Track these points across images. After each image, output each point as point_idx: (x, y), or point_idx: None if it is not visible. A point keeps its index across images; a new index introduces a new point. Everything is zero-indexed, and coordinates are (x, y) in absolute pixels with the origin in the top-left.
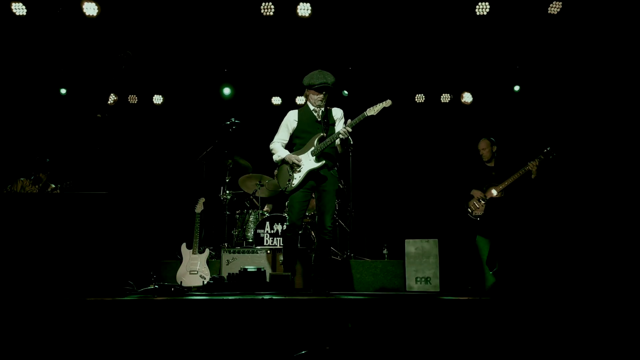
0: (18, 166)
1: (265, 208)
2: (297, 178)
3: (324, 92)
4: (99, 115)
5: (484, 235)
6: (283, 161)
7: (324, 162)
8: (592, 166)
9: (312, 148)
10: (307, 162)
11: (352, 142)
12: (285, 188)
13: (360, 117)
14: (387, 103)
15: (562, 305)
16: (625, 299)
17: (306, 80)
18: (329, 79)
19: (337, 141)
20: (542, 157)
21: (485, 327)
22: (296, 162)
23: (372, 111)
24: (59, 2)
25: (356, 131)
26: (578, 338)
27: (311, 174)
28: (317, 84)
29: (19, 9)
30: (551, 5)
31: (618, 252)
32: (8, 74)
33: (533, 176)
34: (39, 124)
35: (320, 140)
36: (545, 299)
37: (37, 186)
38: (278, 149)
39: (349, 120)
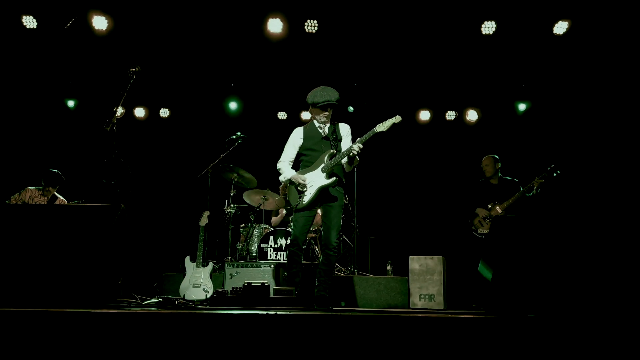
0: (26, 175)
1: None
2: (309, 195)
3: (328, 109)
4: (106, 127)
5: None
6: (290, 181)
7: (335, 178)
8: (597, 183)
9: (323, 165)
10: (318, 179)
11: (359, 160)
12: (296, 205)
13: (370, 133)
14: (397, 119)
15: (569, 323)
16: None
17: (310, 97)
18: (333, 96)
19: (345, 159)
20: (546, 174)
21: (489, 345)
22: (302, 182)
23: (382, 127)
24: (69, 16)
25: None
26: (585, 357)
27: (322, 190)
28: (321, 102)
29: (29, 22)
30: (556, 25)
31: (624, 270)
32: (17, 85)
33: (534, 193)
34: (48, 135)
35: (331, 157)
36: (551, 318)
37: (45, 198)
38: (285, 169)
39: (359, 138)
